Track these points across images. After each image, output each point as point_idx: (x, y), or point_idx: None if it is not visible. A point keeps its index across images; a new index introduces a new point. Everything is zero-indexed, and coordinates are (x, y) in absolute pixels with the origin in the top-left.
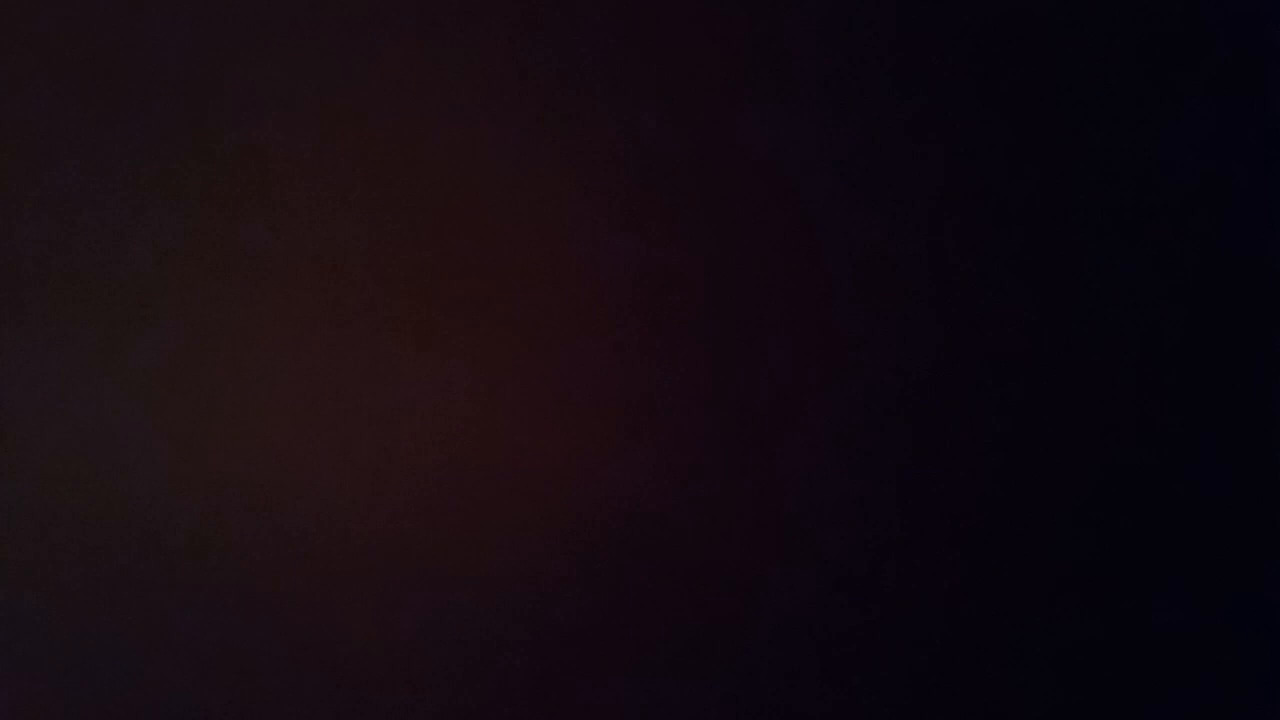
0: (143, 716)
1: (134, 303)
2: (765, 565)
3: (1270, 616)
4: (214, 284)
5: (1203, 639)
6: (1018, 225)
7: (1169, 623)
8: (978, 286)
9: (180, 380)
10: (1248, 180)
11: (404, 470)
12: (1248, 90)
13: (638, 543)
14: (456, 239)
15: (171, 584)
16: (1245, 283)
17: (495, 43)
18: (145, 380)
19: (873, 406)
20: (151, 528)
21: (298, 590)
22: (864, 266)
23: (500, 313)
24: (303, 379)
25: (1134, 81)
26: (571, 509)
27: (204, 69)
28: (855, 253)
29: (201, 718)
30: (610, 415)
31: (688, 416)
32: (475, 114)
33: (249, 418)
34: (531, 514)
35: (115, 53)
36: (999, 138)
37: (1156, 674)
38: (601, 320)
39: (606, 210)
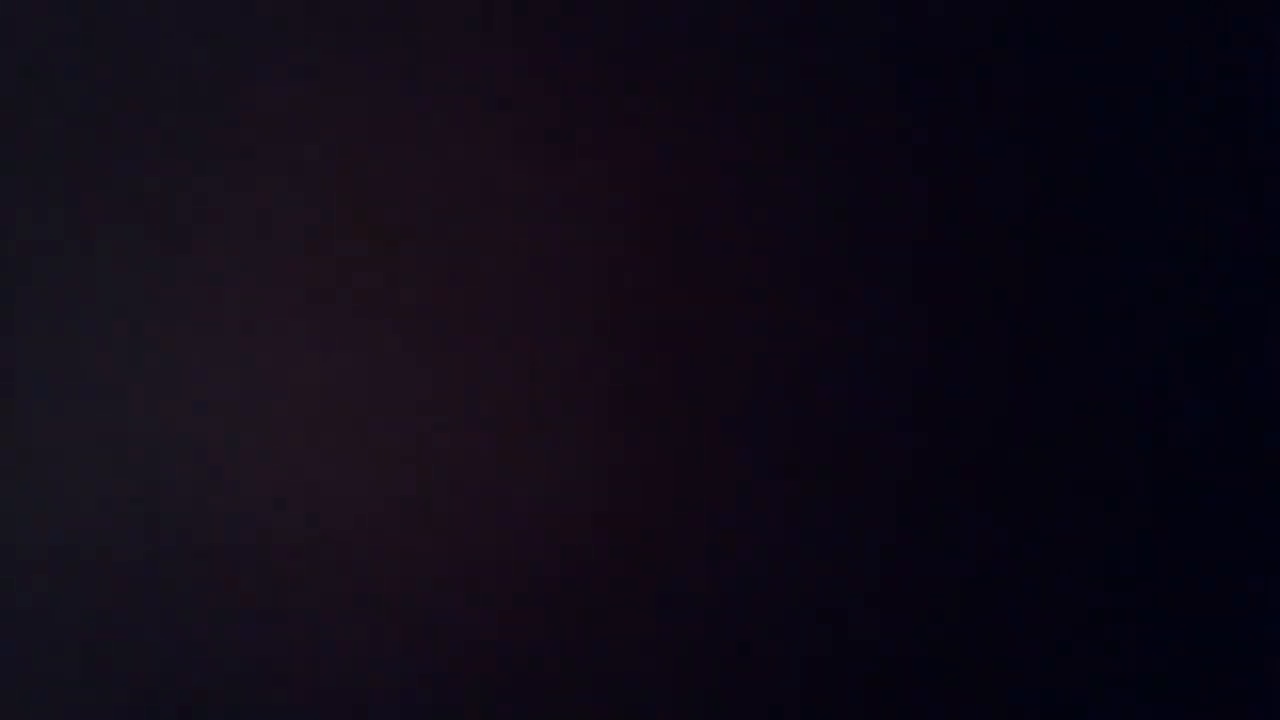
0: (142, 714)
1: (134, 302)
2: (751, 568)
3: (1270, 616)
4: (212, 284)
5: (1202, 639)
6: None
7: (1168, 621)
8: (970, 286)
9: (179, 380)
10: (1247, 180)
11: (400, 470)
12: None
13: (629, 544)
14: (452, 240)
15: (169, 582)
16: (1245, 283)
17: (489, 47)
18: (144, 380)
19: (872, 408)
20: (149, 528)
21: (293, 590)
22: (858, 268)
23: (496, 313)
24: (299, 379)
25: (1133, 82)
26: (563, 509)
27: (204, 68)
28: (851, 254)
29: (200, 714)
30: (604, 417)
31: (682, 419)
32: (471, 118)
33: (246, 417)
34: (525, 514)
35: (115, 54)
36: (1003, 138)
37: (1156, 674)
38: (594, 321)
39: (601, 212)
